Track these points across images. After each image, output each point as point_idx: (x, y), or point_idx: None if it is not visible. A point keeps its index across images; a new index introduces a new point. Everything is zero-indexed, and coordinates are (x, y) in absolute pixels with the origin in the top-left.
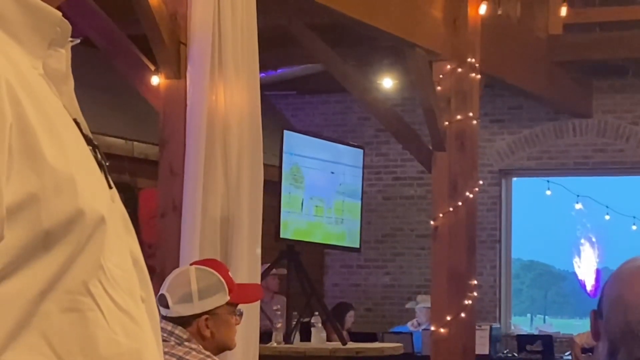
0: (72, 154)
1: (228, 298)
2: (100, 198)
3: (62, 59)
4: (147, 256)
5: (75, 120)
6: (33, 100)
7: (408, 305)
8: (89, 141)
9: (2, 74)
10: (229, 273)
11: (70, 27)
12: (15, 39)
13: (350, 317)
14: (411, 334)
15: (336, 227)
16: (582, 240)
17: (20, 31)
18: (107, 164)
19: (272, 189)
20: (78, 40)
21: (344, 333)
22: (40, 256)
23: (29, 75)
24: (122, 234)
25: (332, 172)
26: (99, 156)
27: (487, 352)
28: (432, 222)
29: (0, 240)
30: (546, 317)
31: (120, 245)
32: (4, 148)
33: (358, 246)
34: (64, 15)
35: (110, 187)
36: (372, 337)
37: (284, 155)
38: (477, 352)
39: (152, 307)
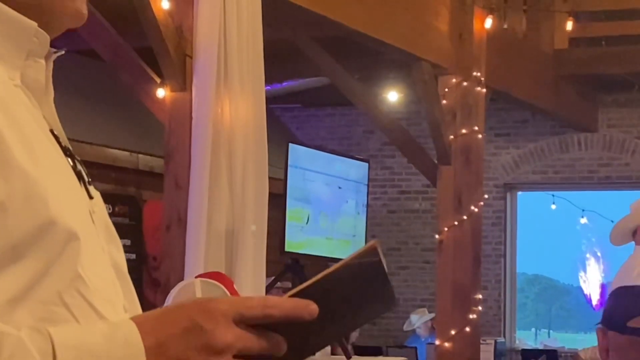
0: (45, 164)
1: None
2: (74, 209)
3: (42, 70)
4: (152, 268)
5: (52, 132)
6: (3, 111)
7: (406, 328)
8: (67, 153)
9: None
10: (234, 286)
11: (48, 37)
12: None
13: (354, 332)
14: (416, 348)
15: (341, 240)
16: (587, 255)
17: None
18: (90, 179)
19: (277, 202)
20: (62, 52)
21: (349, 347)
22: (10, 265)
23: (2, 86)
24: (103, 244)
25: (338, 186)
26: (77, 167)
27: None
28: (437, 236)
29: None
30: (551, 331)
31: (101, 255)
32: None
33: None
34: (69, 29)
35: (91, 198)
36: (376, 351)
37: (289, 168)
38: None
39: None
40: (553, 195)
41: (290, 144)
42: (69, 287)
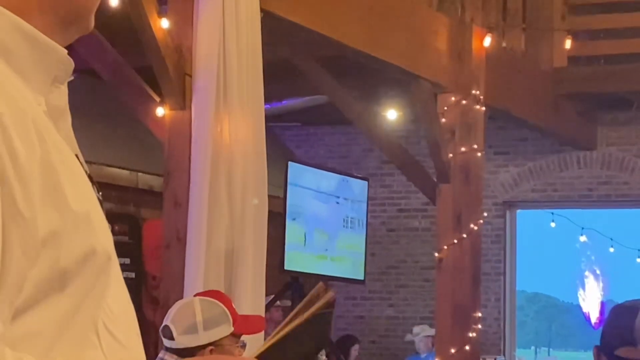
0: (85, 191)
1: (232, 329)
2: (107, 235)
3: (63, 95)
4: (151, 287)
5: (77, 157)
6: (51, 137)
7: (407, 339)
8: (89, 178)
9: (27, 110)
10: (232, 304)
11: (73, 64)
12: (22, 75)
13: (354, 351)
14: None
15: (340, 258)
16: (587, 273)
17: (26, 68)
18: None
19: (277, 220)
20: (72, 78)
21: None
22: (57, 294)
23: (39, 113)
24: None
25: (337, 203)
26: (97, 193)
27: None
28: (436, 254)
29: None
30: (550, 349)
31: (121, 280)
32: (36, 186)
33: (362, 278)
34: (71, 47)
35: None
36: None
37: (288, 186)
38: None
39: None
40: (552, 213)
41: (289, 163)
42: (99, 314)
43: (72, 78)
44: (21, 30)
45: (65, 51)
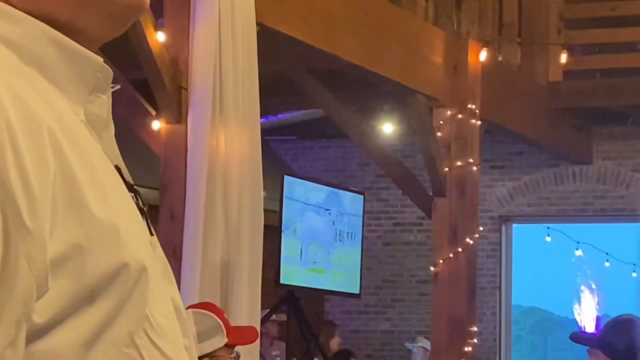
0: (115, 202)
1: (226, 340)
2: (143, 247)
3: (104, 104)
4: None
5: (116, 167)
6: (75, 148)
7: (407, 344)
8: (130, 187)
9: (44, 122)
10: (225, 315)
11: (111, 72)
12: (57, 85)
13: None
14: None
15: (336, 272)
16: (582, 287)
17: (61, 78)
18: (147, 209)
19: (273, 234)
20: (118, 86)
21: None
22: (86, 308)
23: (71, 122)
24: (163, 282)
25: (334, 220)
26: (140, 202)
27: None
28: (432, 268)
29: (45, 292)
30: None
31: (163, 293)
32: (47, 199)
33: (358, 292)
34: None
35: (152, 234)
36: None
37: (284, 200)
38: None
39: (193, 356)
40: (548, 228)
41: (285, 176)
42: (138, 328)
43: (117, 87)
44: (53, 39)
45: (101, 59)
